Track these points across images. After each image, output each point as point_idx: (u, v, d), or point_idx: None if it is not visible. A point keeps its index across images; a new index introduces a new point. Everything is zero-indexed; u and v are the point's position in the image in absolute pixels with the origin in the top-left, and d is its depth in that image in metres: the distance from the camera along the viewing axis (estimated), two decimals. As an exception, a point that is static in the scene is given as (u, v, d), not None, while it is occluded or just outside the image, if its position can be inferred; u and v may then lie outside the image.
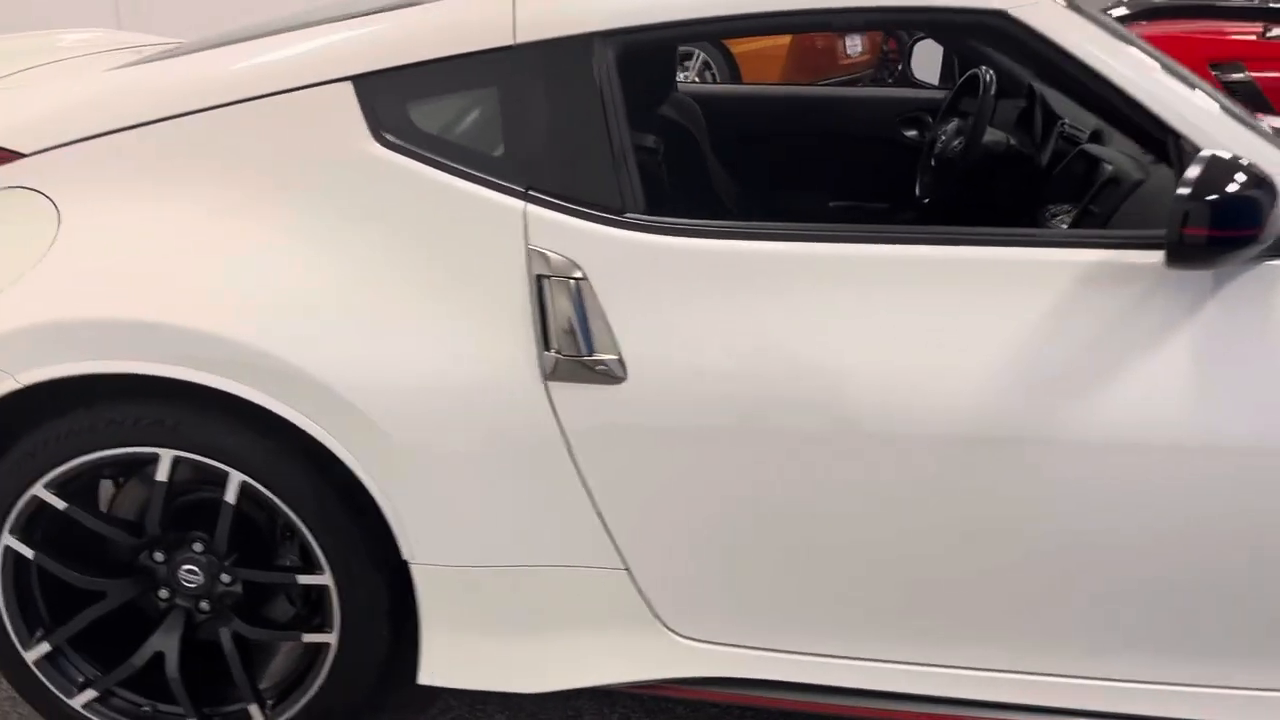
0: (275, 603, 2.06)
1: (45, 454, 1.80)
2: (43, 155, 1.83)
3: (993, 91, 2.65)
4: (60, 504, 1.84)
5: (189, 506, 1.90)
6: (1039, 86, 2.74)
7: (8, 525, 1.84)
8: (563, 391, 1.73)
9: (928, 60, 3.42)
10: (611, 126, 1.73)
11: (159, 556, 1.90)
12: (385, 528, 1.80)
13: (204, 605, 1.92)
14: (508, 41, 1.75)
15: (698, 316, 1.70)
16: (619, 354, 1.70)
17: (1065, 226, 2.35)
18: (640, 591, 1.83)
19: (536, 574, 1.82)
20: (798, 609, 1.82)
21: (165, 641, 1.91)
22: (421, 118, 1.77)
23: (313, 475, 1.80)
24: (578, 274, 1.70)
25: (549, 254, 1.72)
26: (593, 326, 1.71)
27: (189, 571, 1.89)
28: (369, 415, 1.71)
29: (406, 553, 1.80)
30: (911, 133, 3.14)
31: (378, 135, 1.76)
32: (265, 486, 1.79)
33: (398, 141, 1.76)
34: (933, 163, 2.83)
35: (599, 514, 1.78)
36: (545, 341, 1.72)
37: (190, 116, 1.79)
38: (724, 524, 1.77)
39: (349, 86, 1.77)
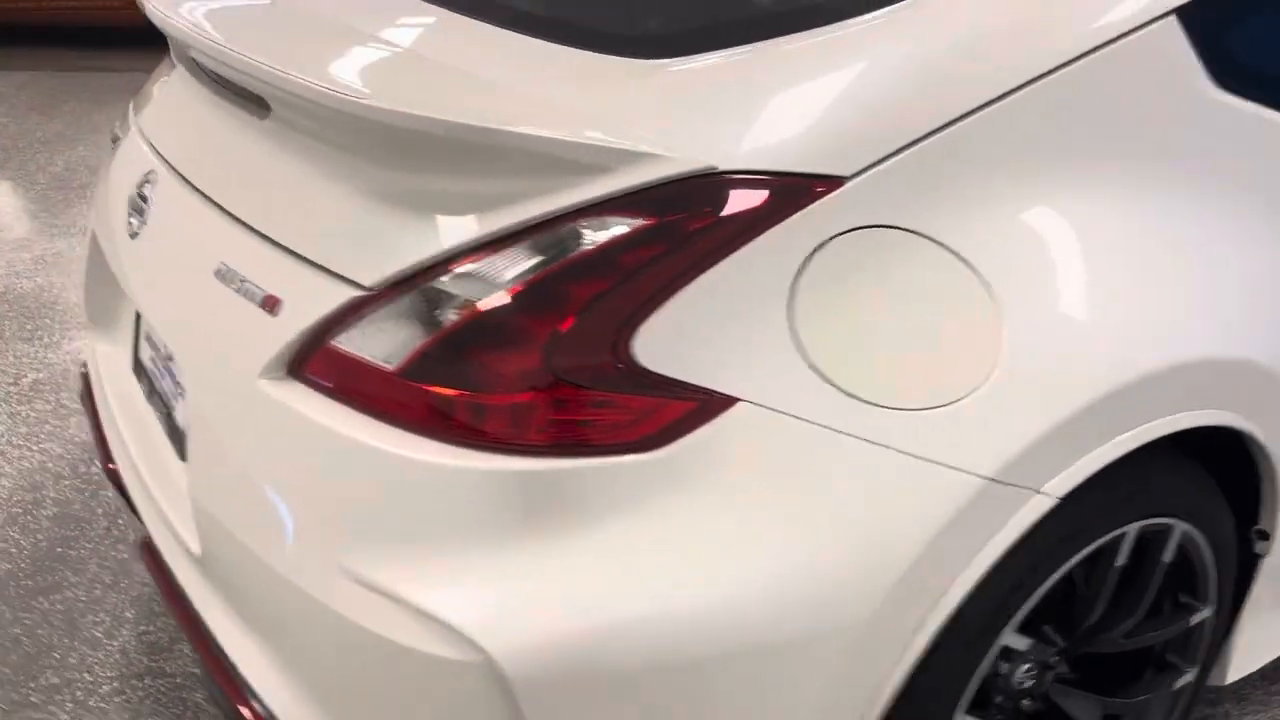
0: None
1: (1032, 578, 1.27)
2: (871, 175, 1.20)
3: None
4: (1023, 643, 1.32)
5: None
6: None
7: (962, 704, 1.27)
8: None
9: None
10: None
11: (1003, 667, 1.45)
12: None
13: (1025, 704, 1.51)
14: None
15: None
16: None
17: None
18: None
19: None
20: None
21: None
22: (1248, 50, 1.47)
23: (1219, 498, 1.49)
24: None
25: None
26: None
27: (1026, 672, 1.47)
28: None
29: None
30: None
31: (1219, 78, 1.43)
32: (1200, 530, 1.45)
33: (1239, 84, 1.45)
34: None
35: None
36: None
37: (1019, 93, 1.29)
38: None
39: (1174, 21, 1.41)
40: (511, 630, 1.10)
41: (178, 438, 1.57)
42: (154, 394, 1.67)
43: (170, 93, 1.70)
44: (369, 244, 1.22)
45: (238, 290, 1.30)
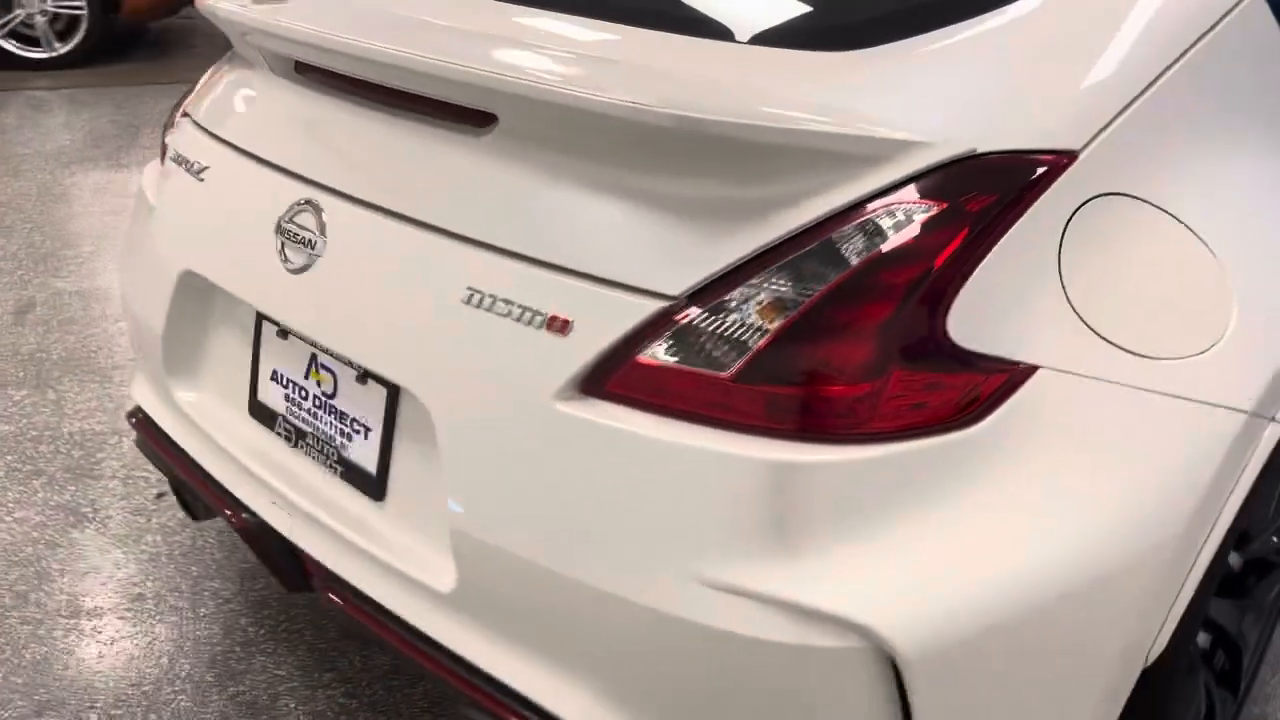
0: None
1: (1252, 499, 1.39)
2: (1096, 146, 1.29)
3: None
4: (1235, 561, 1.45)
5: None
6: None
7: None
8: None
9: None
10: None
11: None
12: None
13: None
14: None
15: None
16: None
17: None
18: None
19: None
20: None
21: None
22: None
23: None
24: None
25: None
26: None
27: None
28: None
29: None
30: None
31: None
32: None
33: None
34: None
35: None
36: None
37: (1191, 51, 1.42)
38: None
39: (1261, -6, 1.58)
40: (893, 611, 1.13)
41: (359, 477, 1.50)
42: (302, 436, 1.57)
43: (282, 109, 1.59)
44: (661, 254, 1.21)
45: (505, 315, 1.26)
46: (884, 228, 1.20)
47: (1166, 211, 1.34)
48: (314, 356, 1.55)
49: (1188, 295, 1.32)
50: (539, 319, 1.24)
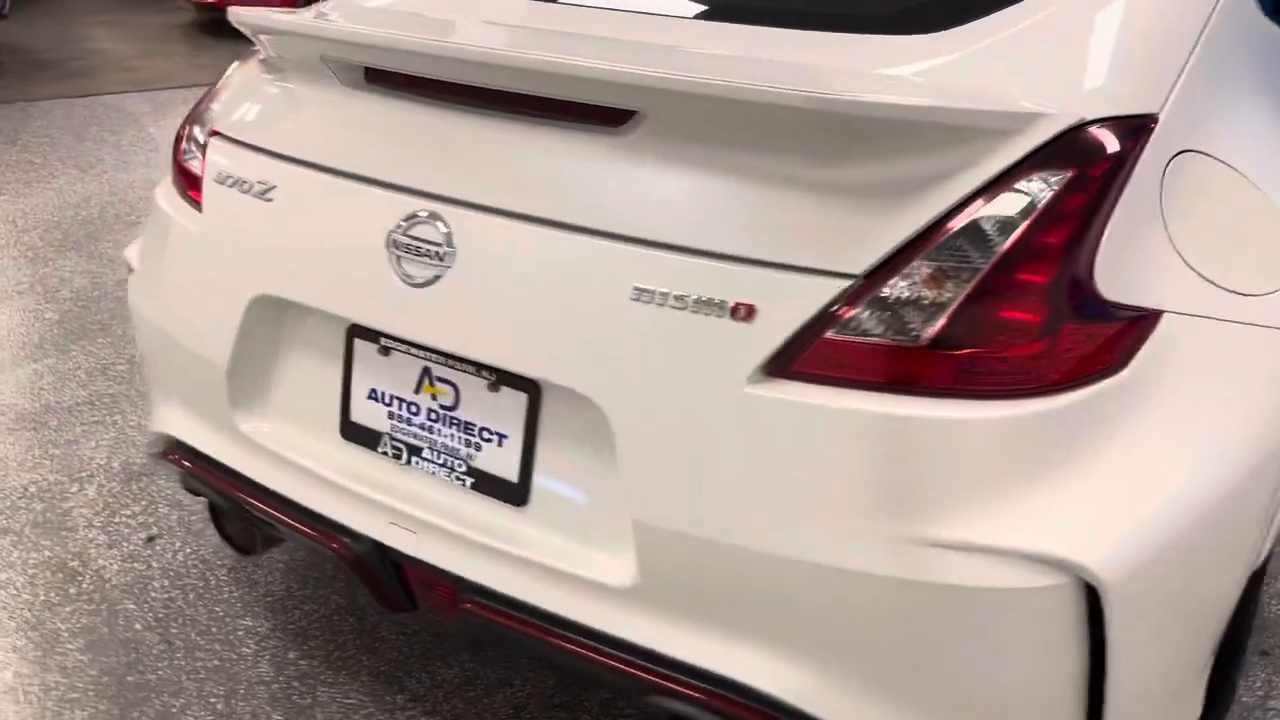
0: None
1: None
2: (1169, 108, 1.43)
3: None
4: None
5: None
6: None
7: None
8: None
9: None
10: None
11: None
12: None
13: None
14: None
15: None
16: None
17: None
18: None
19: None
20: None
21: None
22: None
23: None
24: None
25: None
26: None
27: None
28: None
29: None
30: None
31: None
32: None
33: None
34: None
35: None
36: None
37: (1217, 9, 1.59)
38: None
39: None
40: (1094, 545, 1.23)
41: (496, 485, 1.49)
42: (416, 452, 1.54)
43: (361, 120, 1.53)
44: (834, 236, 1.27)
45: (681, 308, 1.28)
46: (1036, 195, 1.29)
47: (1225, 163, 1.49)
48: (427, 370, 1.52)
49: (1260, 236, 1.48)
50: (721, 308, 1.28)
